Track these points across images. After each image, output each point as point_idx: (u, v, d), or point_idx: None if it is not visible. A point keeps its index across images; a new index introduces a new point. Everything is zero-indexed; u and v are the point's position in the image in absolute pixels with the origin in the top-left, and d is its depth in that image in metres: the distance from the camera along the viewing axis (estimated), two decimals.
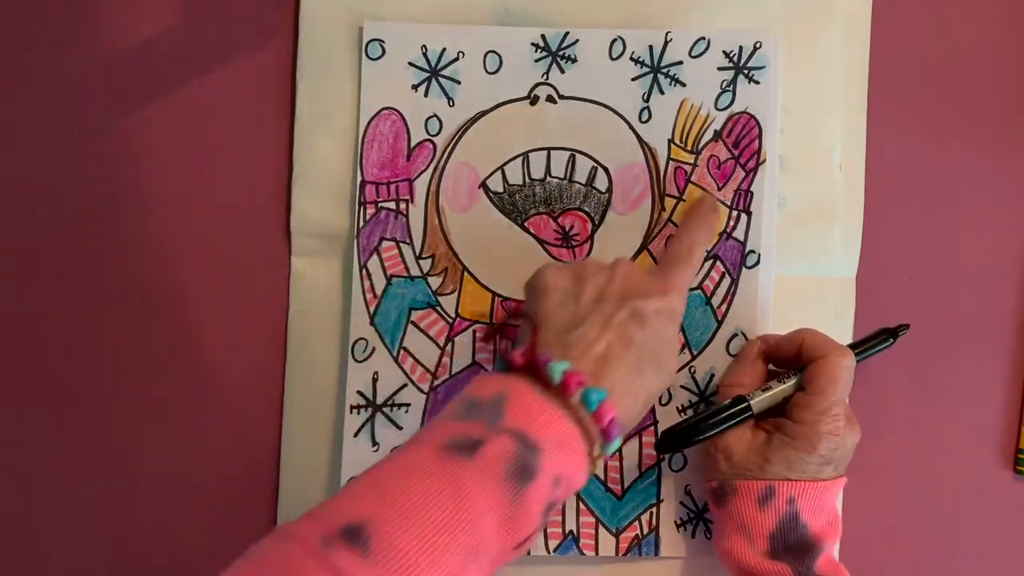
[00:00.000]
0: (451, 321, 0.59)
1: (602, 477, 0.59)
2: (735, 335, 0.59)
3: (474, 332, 0.59)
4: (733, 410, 0.56)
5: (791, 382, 0.56)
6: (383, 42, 0.59)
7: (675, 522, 0.59)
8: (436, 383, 0.59)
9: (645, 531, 0.59)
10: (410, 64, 0.60)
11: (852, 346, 0.57)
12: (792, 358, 0.57)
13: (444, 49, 0.60)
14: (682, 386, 0.59)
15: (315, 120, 0.60)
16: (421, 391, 0.59)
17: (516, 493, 0.44)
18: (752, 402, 0.56)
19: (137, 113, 0.61)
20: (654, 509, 0.59)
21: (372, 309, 0.59)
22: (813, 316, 0.60)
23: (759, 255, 0.59)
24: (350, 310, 0.60)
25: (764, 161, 0.59)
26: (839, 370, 0.54)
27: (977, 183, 0.62)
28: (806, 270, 0.61)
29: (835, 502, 0.57)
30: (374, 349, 0.59)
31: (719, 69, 0.59)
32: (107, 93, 0.61)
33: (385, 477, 0.44)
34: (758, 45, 0.59)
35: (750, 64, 0.59)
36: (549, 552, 0.59)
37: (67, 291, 0.61)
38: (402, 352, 0.59)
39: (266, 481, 0.61)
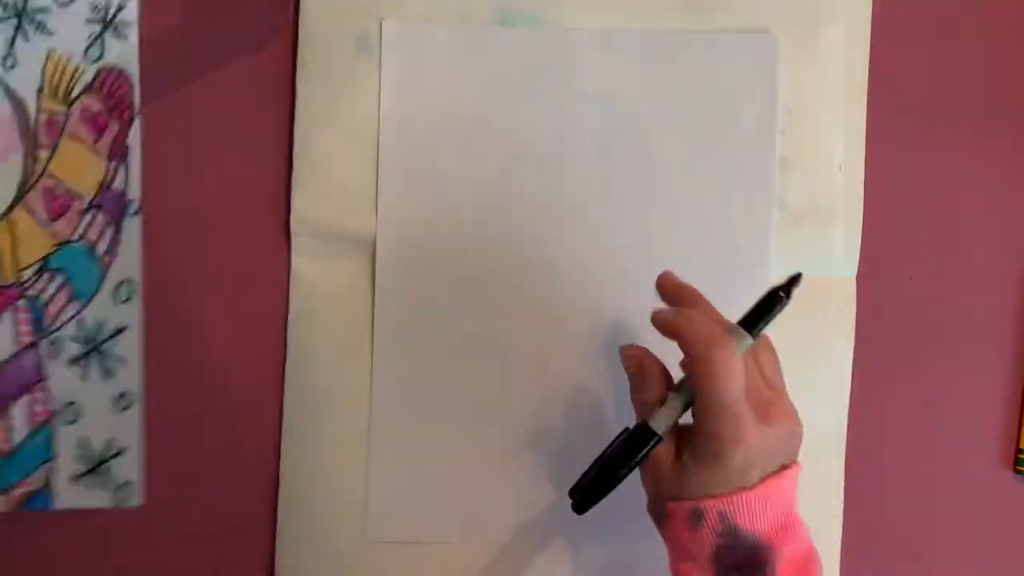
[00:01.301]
0: None
1: None
2: (122, 282, 0.59)
3: None
4: (637, 442, 0.50)
5: (685, 386, 0.50)
6: None
7: (72, 475, 0.59)
8: None
9: (39, 487, 0.58)
10: None
11: (745, 320, 0.51)
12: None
13: None
14: (71, 339, 0.58)
15: (315, 120, 0.60)
16: None
17: None
18: (657, 427, 0.50)
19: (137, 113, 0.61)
20: (48, 464, 0.59)
21: None
22: (813, 316, 0.60)
23: (138, 203, 0.59)
24: (351, 309, 0.60)
25: (138, 114, 0.58)
26: (717, 368, 0.47)
27: (977, 183, 0.62)
28: (806, 270, 0.60)
29: (782, 500, 0.50)
30: None
31: (87, 21, 0.57)
32: None
33: None
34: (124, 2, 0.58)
35: (117, 20, 0.58)
36: None
37: None
38: None
39: (266, 481, 0.61)
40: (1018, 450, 0.62)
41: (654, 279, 0.54)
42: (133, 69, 0.58)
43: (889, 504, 0.62)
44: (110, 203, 0.58)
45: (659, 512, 0.51)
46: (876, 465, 0.61)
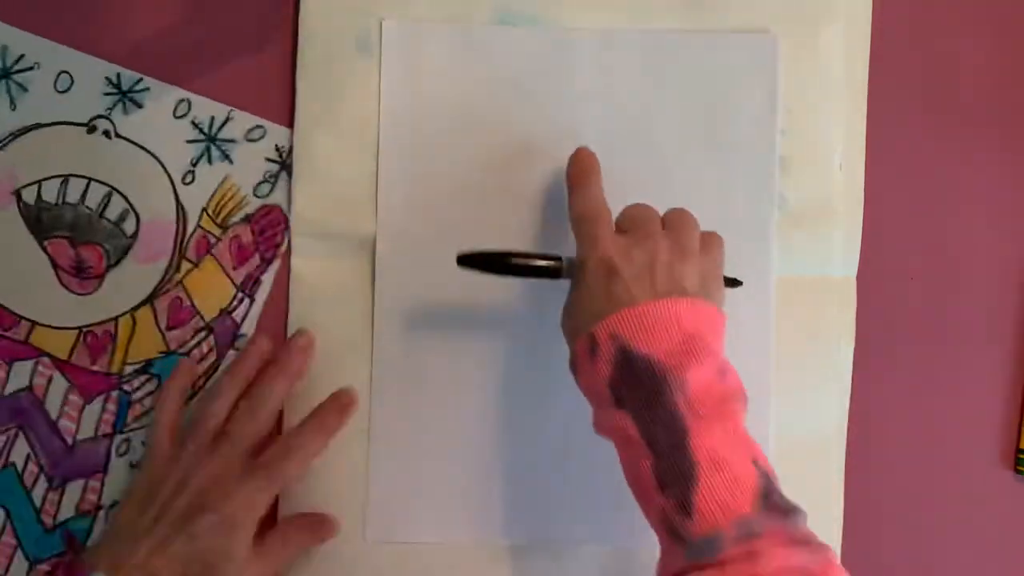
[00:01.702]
0: None
1: (38, 506, 0.59)
2: None
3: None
4: (548, 259, 0.54)
5: None
6: None
7: None
8: None
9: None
10: None
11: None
12: None
13: (22, 55, 0.59)
14: (143, 443, 0.59)
15: (315, 120, 0.60)
16: None
17: None
18: (564, 257, 0.54)
19: None
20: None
21: None
22: (813, 316, 0.60)
23: (247, 337, 0.60)
24: (351, 309, 0.60)
25: (282, 253, 0.60)
26: (581, 177, 0.55)
27: (977, 183, 0.62)
28: (806, 270, 0.61)
29: (678, 326, 0.49)
30: None
31: (267, 160, 0.60)
32: None
33: None
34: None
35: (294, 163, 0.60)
36: None
37: None
38: None
39: None
40: (1018, 450, 0.62)
41: None
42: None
43: (889, 504, 0.62)
44: (223, 330, 0.60)
45: (571, 358, 0.52)
46: (876, 465, 0.61)
